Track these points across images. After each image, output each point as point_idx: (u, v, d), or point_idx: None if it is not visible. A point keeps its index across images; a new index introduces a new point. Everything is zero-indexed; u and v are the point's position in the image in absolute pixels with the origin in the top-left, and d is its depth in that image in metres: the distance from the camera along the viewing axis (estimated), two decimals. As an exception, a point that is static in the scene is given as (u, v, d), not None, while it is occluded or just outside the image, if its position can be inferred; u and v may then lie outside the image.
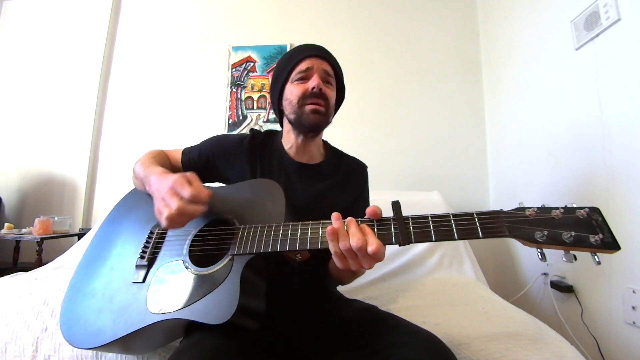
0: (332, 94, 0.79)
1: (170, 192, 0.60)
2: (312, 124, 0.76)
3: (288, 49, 2.11)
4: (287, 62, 0.79)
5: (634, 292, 0.98)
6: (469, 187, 1.92)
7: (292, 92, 0.77)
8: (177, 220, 0.59)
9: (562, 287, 1.24)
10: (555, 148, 1.35)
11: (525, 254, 1.58)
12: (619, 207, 1.04)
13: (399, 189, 1.88)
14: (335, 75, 0.80)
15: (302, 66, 0.76)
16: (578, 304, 1.18)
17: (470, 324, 0.79)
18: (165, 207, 0.59)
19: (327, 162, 0.85)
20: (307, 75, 0.76)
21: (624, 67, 1.04)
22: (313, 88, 0.74)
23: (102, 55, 2.23)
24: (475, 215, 0.50)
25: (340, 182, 0.82)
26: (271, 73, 2.10)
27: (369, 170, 0.90)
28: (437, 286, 1.16)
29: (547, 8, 1.41)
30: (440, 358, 0.52)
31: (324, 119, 0.78)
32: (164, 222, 0.59)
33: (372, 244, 0.50)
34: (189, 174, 0.64)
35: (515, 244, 1.65)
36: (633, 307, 0.98)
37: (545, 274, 1.37)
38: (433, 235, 0.50)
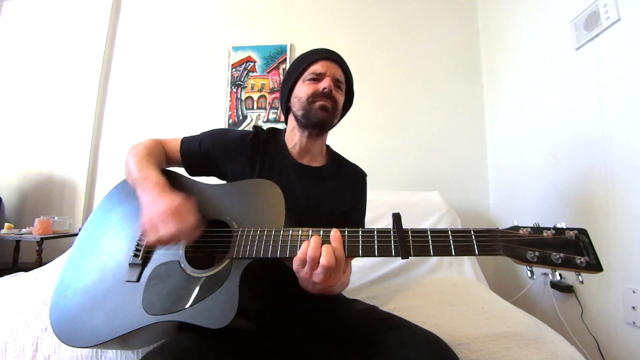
0: (340, 98, 0.81)
1: (173, 215, 0.59)
2: (319, 119, 0.77)
3: (288, 49, 2.12)
4: (302, 61, 0.81)
5: (634, 292, 0.98)
6: (469, 187, 1.92)
7: (303, 90, 0.78)
8: (168, 243, 0.60)
9: (562, 287, 1.24)
10: (555, 148, 1.35)
11: (525, 254, 1.57)
12: (618, 207, 1.04)
13: (399, 189, 1.88)
14: (345, 82, 0.82)
15: (316, 68, 0.78)
16: (578, 304, 1.18)
17: (470, 324, 0.79)
18: (163, 225, 0.59)
19: (329, 167, 0.85)
20: (319, 78, 0.77)
21: (624, 67, 1.04)
22: (324, 89, 0.75)
23: (102, 55, 2.23)
24: (472, 232, 0.52)
25: (340, 187, 0.83)
26: (271, 73, 2.12)
27: (369, 172, 0.91)
28: (437, 286, 1.16)
29: (547, 8, 1.41)
30: (442, 359, 0.52)
31: (331, 117, 0.79)
32: (154, 239, 0.59)
33: (324, 257, 0.52)
34: (192, 200, 0.64)
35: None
36: (633, 307, 0.98)
37: (545, 273, 1.37)
38: (431, 250, 0.52)
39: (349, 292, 1.07)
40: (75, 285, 0.67)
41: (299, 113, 0.78)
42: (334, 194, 0.81)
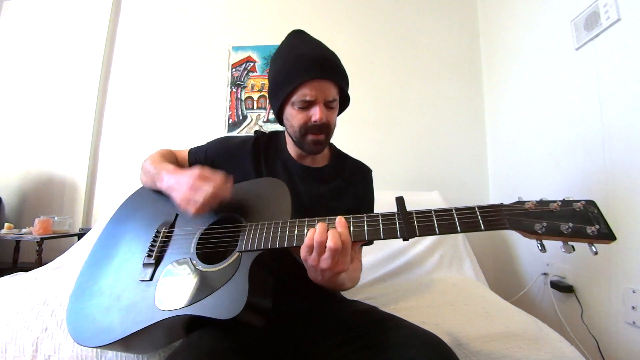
0: (334, 117, 0.76)
1: (200, 179, 0.64)
2: (312, 151, 0.77)
3: (288, 49, 2.11)
4: (289, 79, 0.71)
5: (634, 292, 0.98)
6: (469, 187, 1.92)
7: (294, 117, 0.73)
8: (211, 203, 0.64)
9: (562, 287, 1.24)
10: (555, 148, 1.35)
11: (525, 254, 1.58)
12: (618, 207, 1.03)
13: (399, 189, 1.87)
14: (340, 90, 0.76)
15: (305, 93, 0.69)
16: (578, 304, 1.18)
17: (470, 324, 0.79)
18: (197, 192, 0.63)
19: (331, 166, 0.85)
20: (310, 105, 0.71)
21: (624, 67, 1.04)
22: (315, 121, 0.71)
23: (102, 55, 2.23)
24: (477, 209, 0.51)
25: (343, 186, 0.82)
26: (271, 73, 2.12)
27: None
28: (437, 286, 1.16)
29: (547, 8, 1.41)
30: (442, 359, 0.52)
31: (325, 146, 0.80)
32: (196, 207, 0.63)
33: (331, 240, 0.53)
34: (206, 166, 0.69)
35: (515, 244, 1.65)
36: (633, 307, 0.98)
37: (545, 274, 1.37)
38: (437, 229, 0.52)
39: (349, 292, 1.07)
40: (91, 288, 0.69)
41: (293, 138, 0.77)
42: (336, 193, 0.81)
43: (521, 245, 1.61)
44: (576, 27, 1.22)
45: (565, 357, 0.68)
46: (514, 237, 1.67)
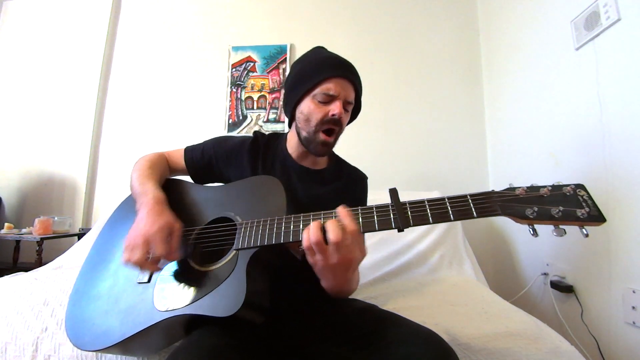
0: (346, 119, 0.79)
1: (142, 239, 0.60)
2: (318, 153, 0.79)
3: (288, 49, 2.12)
4: (315, 73, 0.75)
5: (634, 292, 0.98)
6: (469, 187, 1.92)
7: (312, 111, 0.75)
8: (133, 266, 0.60)
9: (562, 287, 1.24)
10: (555, 148, 1.35)
11: (525, 254, 1.58)
12: (618, 207, 1.03)
13: (399, 188, 1.86)
14: (355, 95, 0.80)
15: (329, 87, 0.73)
16: (578, 304, 1.18)
17: (470, 324, 0.79)
18: (132, 250, 0.60)
19: (330, 169, 0.86)
20: (331, 100, 0.74)
21: (624, 67, 1.04)
22: (333, 115, 0.73)
23: (102, 55, 2.23)
24: (469, 196, 0.52)
25: (340, 190, 0.84)
26: (271, 73, 2.12)
27: (369, 173, 0.92)
28: (437, 286, 1.16)
29: (547, 8, 1.41)
30: (442, 356, 0.52)
31: (331, 149, 0.81)
32: (123, 260, 0.61)
33: (331, 233, 0.54)
34: (177, 225, 0.64)
35: (515, 244, 1.65)
36: (633, 307, 0.98)
37: (545, 274, 1.37)
38: (430, 218, 0.52)
39: (349, 292, 1.07)
40: (89, 292, 0.69)
41: (303, 134, 0.78)
42: (334, 196, 0.82)
43: (521, 245, 1.61)
44: (576, 27, 1.22)
45: (565, 357, 0.68)
46: (514, 237, 1.67)
